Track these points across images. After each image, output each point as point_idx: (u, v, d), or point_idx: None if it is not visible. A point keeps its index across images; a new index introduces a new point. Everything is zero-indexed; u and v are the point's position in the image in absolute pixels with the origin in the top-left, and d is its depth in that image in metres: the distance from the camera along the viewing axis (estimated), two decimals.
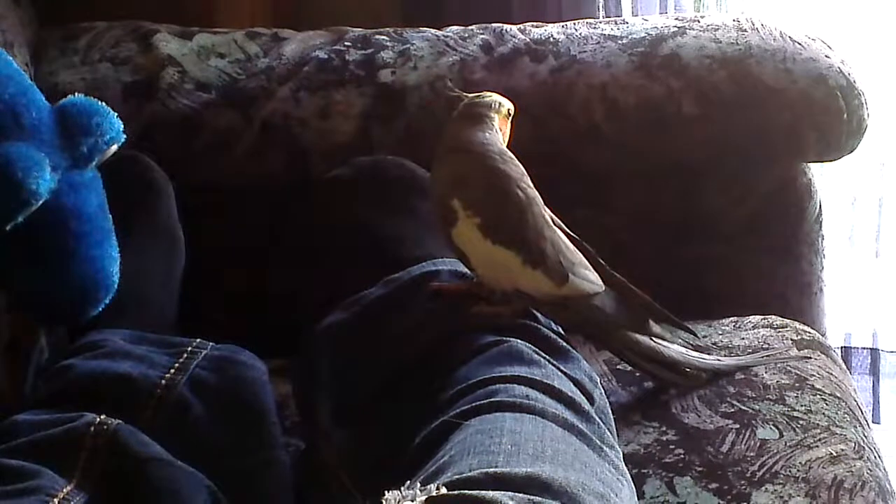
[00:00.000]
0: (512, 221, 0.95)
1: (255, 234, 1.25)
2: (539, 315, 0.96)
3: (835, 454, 0.97)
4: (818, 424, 1.01)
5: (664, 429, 1.01)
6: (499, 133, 0.97)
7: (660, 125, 1.22)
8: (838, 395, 1.06)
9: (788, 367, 1.09)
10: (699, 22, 1.27)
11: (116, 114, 1.06)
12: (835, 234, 1.62)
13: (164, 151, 1.19)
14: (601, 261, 1.00)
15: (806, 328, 1.18)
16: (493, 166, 0.95)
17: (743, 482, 0.94)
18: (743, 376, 1.07)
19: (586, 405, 0.86)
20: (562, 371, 0.89)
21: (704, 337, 1.14)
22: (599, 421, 0.85)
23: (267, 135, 1.23)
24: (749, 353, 1.11)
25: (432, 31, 1.30)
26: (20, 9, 1.29)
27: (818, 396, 1.05)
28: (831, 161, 1.26)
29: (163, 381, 0.95)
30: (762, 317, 1.18)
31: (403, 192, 1.09)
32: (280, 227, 1.23)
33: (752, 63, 1.22)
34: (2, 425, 0.91)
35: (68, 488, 0.84)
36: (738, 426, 1.01)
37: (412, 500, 0.68)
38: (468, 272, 0.98)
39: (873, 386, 1.74)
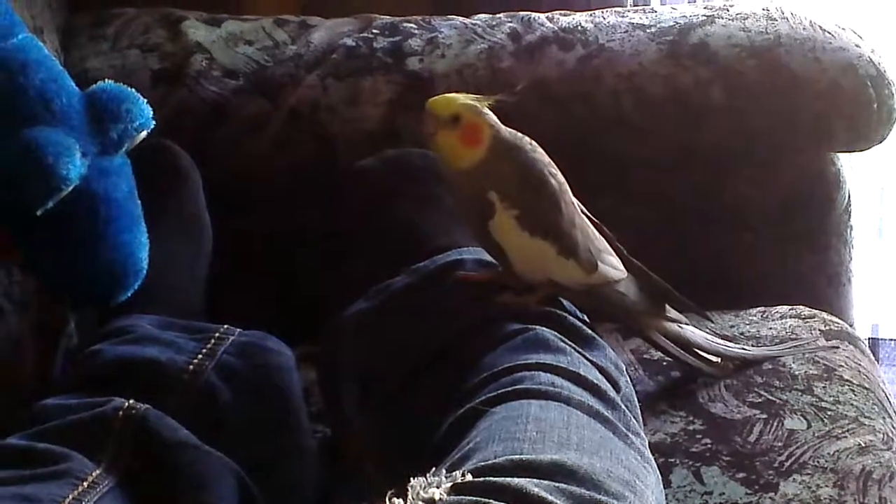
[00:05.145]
0: (547, 212, 0.94)
1: (282, 221, 1.25)
2: (564, 303, 0.96)
3: (863, 445, 0.97)
4: (846, 415, 1.01)
5: (691, 418, 1.01)
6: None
7: (688, 114, 1.21)
8: (866, 385, 1.05)
9: (816, 358, 1.08)
10: (728, 11, 1.26)
11: (146, 100, 1.06)
12: (863, 225, 1.61)
13: (192, 138, 1.20)
14: (620, 246, 1.00)
15: (834, 319, 1.17)
16: (526, 158, 0.94)
17: (771, 472, 0.94)
18: (770, 366, 1.06)
19: (612, 393, 0.86)
20: (587, 359, 0.89)
21: (731, 327, 1.14)
22: (625, 409, 0.85)
23: (294, 122, 1.23)
24: (777, 344, 1.10)
25: (460, 19, 1.30)
26: None
27: (846, 387, 1.04)
28: (860, 151, 1.25)
29: (190, 367, 0.95)
30: (790, 307, 1.18)
31: (429, 183, 1.09)
32: (307, 214, 1.23)
33: (782, 52, 1.21)
34: (31, 409, 0.91)
35: (97, 472, 0.84)
36: (765, 416, 1.00)
37: (437, 487, 0.68)
38: (493, 261, 0.98)
39: None
